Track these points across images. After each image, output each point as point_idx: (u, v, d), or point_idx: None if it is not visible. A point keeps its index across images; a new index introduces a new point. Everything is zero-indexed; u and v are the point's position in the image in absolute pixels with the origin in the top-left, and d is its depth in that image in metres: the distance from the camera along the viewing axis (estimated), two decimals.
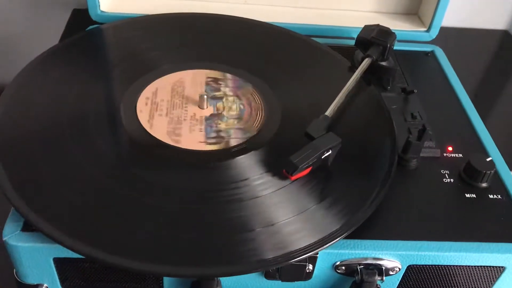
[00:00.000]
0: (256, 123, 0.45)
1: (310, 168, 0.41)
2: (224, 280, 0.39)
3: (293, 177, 0.40)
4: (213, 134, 0.44)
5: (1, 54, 0.79)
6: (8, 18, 0.77)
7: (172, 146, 0.42)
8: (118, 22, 0.56)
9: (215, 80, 0.50)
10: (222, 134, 0.44)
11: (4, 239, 0.36)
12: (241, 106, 0.47)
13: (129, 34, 0.55)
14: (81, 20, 0.67)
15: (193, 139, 0.43)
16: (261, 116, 0.46)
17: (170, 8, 0.60)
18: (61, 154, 0.41)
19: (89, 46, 0.53)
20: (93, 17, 0.59)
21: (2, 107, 0.44)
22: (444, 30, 0.72)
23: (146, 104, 0.45)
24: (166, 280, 0.39)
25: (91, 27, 0.57)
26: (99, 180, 0.39)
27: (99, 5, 0.59)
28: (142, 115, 0.44)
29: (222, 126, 0.45)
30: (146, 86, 0.47)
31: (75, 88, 0.47)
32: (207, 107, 0.47)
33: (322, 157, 0.41)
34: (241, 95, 0.48)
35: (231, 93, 0.48)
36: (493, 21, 0.83)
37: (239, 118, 0.46)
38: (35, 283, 0.39)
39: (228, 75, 0.50)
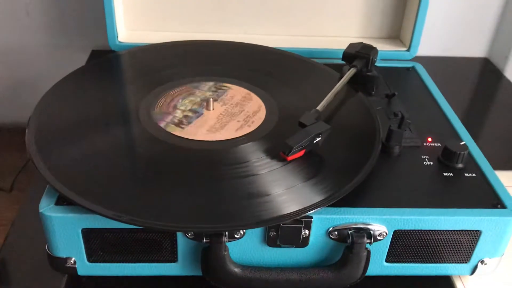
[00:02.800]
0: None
1: (303, 151, 0.47)
2: (231, 250, 0.44)
3: (289, 158, 0.46)
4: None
5: (21, 95, 0.86)
6: (28, 60, 0.84)
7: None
8: (139, 47, 0.65)
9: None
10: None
11: (40, 211, 0.42)
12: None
13: (148, 57, 0.64)
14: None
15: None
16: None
17: (180, 39, 0.68)
18: (88, 141, 0.48)
19: (113, 66, 0.61)
20: (112, 47, 0.68)
21: (41, 106, 0.52)
22: (427, 59, 0.80)
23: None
24: (180, 250, 0.45)
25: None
26: (123, 160, 0.46)
27: (117, 36, 0.67)
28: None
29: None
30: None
31: (103, 94, 0.55)
32: (213, 109, 0.54)
33: (314, 142, 0.47)
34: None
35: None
36: (474, 49, 0.91)
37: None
38: (65, 256, 0.45)
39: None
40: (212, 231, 0.42)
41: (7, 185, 0.68)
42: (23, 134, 0.48)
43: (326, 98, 0.53)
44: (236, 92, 0.57)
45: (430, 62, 0.77)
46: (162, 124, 0.50)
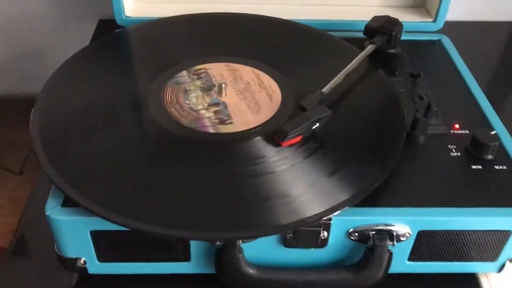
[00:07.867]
0: None
1: (300, 137, 0.44)
2: (246, 250, 0.42)
3: (284, 143, 0.43)
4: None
5: (31, 65, 0.84)
6: (37, 30, 0.81)
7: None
8: (145, 23, 0.61)
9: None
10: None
11: (46, 213, 0.40)
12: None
13: (156, 33, 0.60)
14: (107, 29, 0.72)
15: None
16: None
17: (189, 11, 0.64)
18: (95, 135, 0.45)
19: (121, 44, 0.58)
20: (119, 22, 0.64)
21: (43, 97, 0.49)
22: (454, 24, 0.74)
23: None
24: (193, 250, 0.43)
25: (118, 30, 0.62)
26: (130, 159, 0.43)
27: (123, 11, 0.63)
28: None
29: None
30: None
31: (108, 79, 0.52)
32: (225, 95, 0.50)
33: (313, 127, 0.44)
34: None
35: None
36: (504, 13, 0.85)
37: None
38: (74, 257, 0.43)
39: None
40: (225, 238, 0.40)
41: (16, 167, 0.66)
42: (29, 108, 0.46)
43: (334, 79, 0.49)
44: (216, 70, 0.53)
45: (457, 28, 0.72)
46: (211, 130, 0.46)
